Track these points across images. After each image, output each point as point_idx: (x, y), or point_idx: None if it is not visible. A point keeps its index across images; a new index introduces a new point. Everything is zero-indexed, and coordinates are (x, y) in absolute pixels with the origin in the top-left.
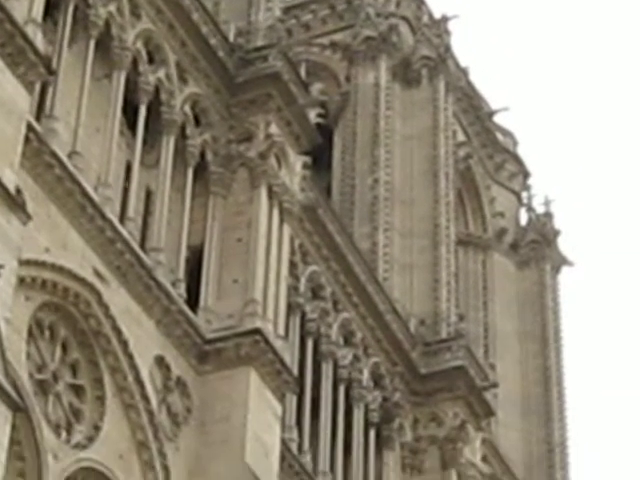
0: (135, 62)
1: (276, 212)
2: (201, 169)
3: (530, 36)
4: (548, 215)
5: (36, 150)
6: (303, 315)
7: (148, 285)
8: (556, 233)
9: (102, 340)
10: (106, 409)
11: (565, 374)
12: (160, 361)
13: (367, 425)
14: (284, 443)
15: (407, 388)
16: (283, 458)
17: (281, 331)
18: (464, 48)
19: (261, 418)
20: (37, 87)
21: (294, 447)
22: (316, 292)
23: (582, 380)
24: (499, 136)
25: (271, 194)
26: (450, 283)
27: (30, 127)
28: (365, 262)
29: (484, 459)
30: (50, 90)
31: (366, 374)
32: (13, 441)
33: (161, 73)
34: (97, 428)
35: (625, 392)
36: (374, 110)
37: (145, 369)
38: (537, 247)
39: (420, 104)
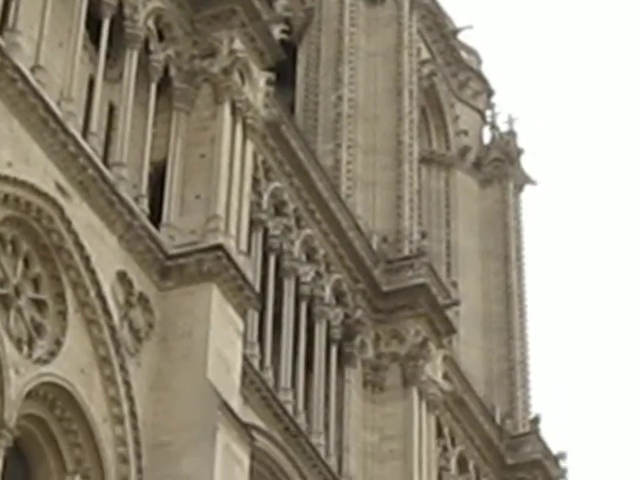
0: None
1: (239, 128)
2: (164, 84)
3: None
4: (511, 133)
5: None
6: (265, 231)
7: (111, 200)
8: (519, 151)
9: (64, 255)
10: (68, 324)
11: (527, 292)
12: (122, 277)
13: (329, 342)
14: (246, 359)
15: (369, 305)
16: (245, 374)
17: (243, 247)
18: None
19: (223, 334)
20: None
21: (256, 363)
22: (279, 208)
23: (543, 298)
24: (463, 54)
25: (234, 110)
26: (413, 200)
27: None
28: (328, 179)
29: (445, 376)
30: (13, 4)
31: (328, 291)
32: None
33: None
34: (59, 343)
35: (586, 310)
36: (338, 27)
37: (107, 284)
38: (500, 165)
39: (384, 21)
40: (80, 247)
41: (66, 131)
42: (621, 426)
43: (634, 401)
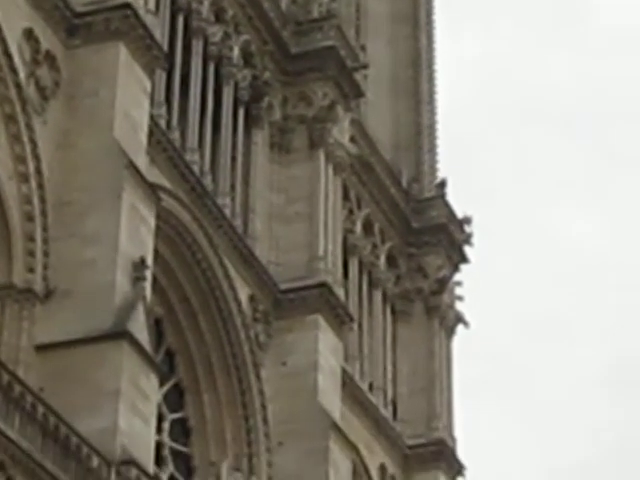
0: None
1: None
2: None
3: None
4: None
5: None
6: None
7: None
8: None
9: None
10: None
11: (435, 57)
12: (29, 34)
13: (236, 103)
14: (153, 119)
15: (277, 67)
16: (151, 134)
17: (152, 6)
18: None
19: (130, 94)
20: None
21: (163, 123)
22: None
23: (451, 64)
24: None
25: None
26: None
27: None
28: None
29: (352, 140)
30: None
31: (236, 52)
32: None
33: None
34: None
35: (498, 81)
36: None
37: (13, 42)
38: None
39: None
40: None
41: None
42: (526, 201)
43: (540, 173)
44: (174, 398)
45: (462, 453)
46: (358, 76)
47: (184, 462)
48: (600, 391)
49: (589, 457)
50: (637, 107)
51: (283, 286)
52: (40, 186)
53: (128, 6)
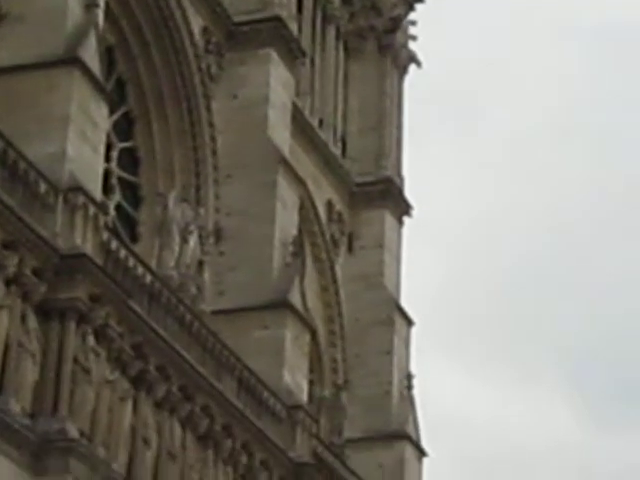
0: None
1: None
2: None
3: None
4: None
5: None
6: None
7: None
8: None
9: None
10: None
11: None
12: None
13: None
14: None
15: None
16: None
17: None
18: None
19: None
20: None
21: None
22: None
23: None
24: None
25: None
26: None
27: None
28: None
29: None
30: None
31: None
32: None
33: None
34: None
35: None
36: None
37: None
38: None
39: None
40: None
41: None
42: None
43: None
44: (124, 127)
45: (410, 194)
46: None
47: (132, 191)
48: (550, 134)
49: None
50: None
51: (237, 18)
52: None
53: None
